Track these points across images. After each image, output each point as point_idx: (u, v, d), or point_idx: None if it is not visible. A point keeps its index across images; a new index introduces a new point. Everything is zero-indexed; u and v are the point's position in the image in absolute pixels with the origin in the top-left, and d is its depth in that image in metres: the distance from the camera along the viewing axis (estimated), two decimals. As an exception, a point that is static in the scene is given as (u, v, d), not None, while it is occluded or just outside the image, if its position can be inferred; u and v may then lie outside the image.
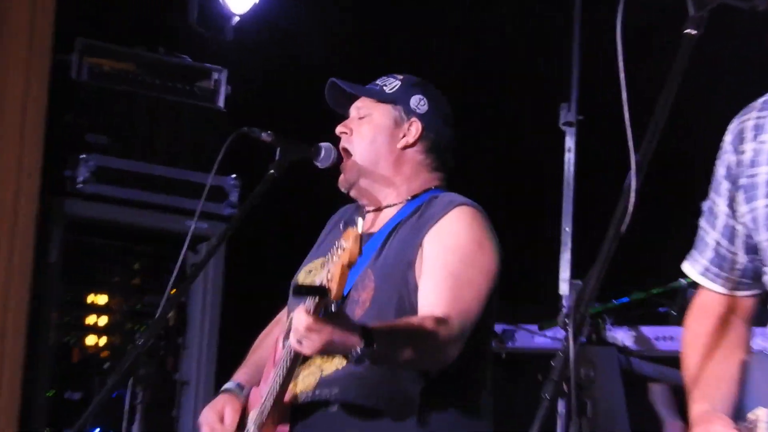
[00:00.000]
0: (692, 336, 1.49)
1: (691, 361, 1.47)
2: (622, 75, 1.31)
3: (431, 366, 1.86)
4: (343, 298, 1.78)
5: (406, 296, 1.91)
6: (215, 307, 3.21)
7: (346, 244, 1.60)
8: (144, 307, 3.14)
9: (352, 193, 2.05)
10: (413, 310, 1.89)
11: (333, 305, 1.67)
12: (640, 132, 1.30)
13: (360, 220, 1.72)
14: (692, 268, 1.53)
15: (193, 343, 3.14)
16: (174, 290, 2.07)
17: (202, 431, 1.99)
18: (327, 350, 1.71)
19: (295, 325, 1.68)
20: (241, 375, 2.04)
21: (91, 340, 3.02)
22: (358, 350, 1.70)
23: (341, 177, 2.05)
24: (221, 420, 1.97)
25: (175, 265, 2.03)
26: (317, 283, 1.67)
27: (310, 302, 1.65)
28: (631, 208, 1.24)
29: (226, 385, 2.03)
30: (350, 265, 1.62)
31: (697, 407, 1.40)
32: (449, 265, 1.91)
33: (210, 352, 3.16)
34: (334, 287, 1.62)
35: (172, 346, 3.08)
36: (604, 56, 1.44)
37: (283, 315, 2.14)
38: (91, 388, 2.93)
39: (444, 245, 1.93)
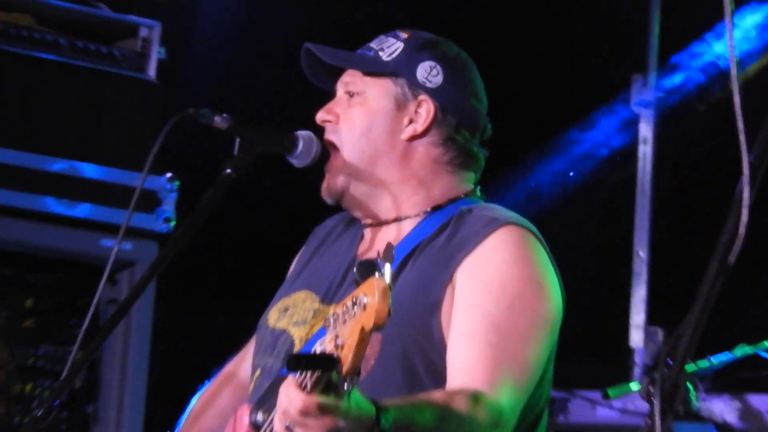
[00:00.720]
0: None
1: None
2: (729, 33, 1.36)
3: None
4: (358, 374, 1.76)
5: (427, 354, 2.02)
6: (141, 364, 3.39)
7: (370, 300, 1.65)
8: (39, 360, 3.30)
9: (343, 204, 2.16)
10: (438, 375, 2.02)
11: (346, 383, 1.72)
12: (755, 120, 1.35)
13: (388, 266, 1.72)
14: None
15: (108, 415, 3.34)
16: (85, 339, 2.19)
17: None
18: None
19: (284, 405, 1.74)
20: None
21: None
22: None
23: (325, 181, 2.13)
24: None
25: (85, 303, 2.10)
26: (323, 350, 1.72)
27: (309, 376, 1.71)
28: (743, 229, 1.28)
29: None
30: (375, 330, 1.65)
31: None
32: (493, 313, 2.00)
33: (131, 426, 3.37)
34: (349, 358, 1.66)
35: (78, 418, 3.28)
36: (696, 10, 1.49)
37: (239, 367, 2.28)
38: None
39: (485, 285, 2.03)
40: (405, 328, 2.02)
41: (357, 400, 1.74)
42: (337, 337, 1.66)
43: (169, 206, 3.39)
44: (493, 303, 2.02)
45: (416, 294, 2.06)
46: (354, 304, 1.65)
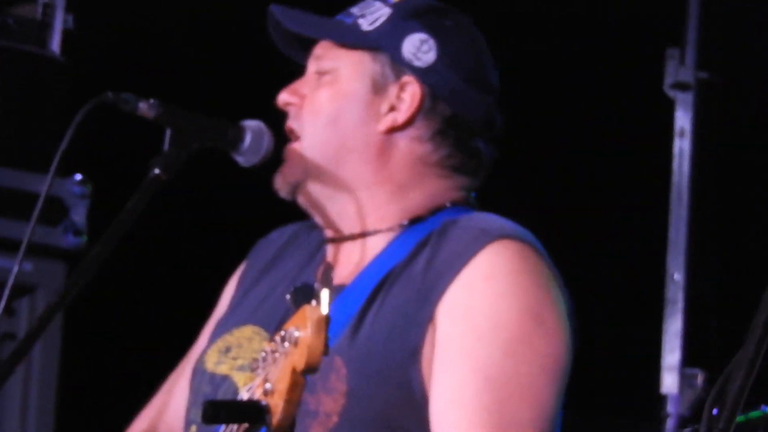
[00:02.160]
0: None
1: None
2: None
3: None
4: (292, 427, 1.81)
5: (401, 408, 2.10)
6: (45, 416, 3.55)
7: (302, 334, 1.71)
8: None
9: (300, 204, 2.23)
10: (409, 426, 2.09)
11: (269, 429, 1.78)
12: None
13: (325, 292, 1.76)
14: None
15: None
16: None
17: None
18: None
19: None
20: None
21: None
22: None
23: (280, 170, 2.20)
24: None
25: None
26: (250, 396, 1.81)
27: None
28: None
29: None
30: (307, 372, 1.71)
31: None
32: (486, 365, 2.08)
33: None
34: (279, 407, 1.72)
35: None
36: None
37: (158, 423, 2.39)
38: None
39: (473, 326, 2.10)
40: (378, 382, 2.10)
41: None
42: (266, 380, 1.72)
43: (79, 216, 3.53)
44: (485, 350, 2.08)
45: (391, 338, 2.12)
46: (283, 339, 1.71)
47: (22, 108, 3.52)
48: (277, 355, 1.72)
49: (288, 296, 1.80)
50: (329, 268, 2.12)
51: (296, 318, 1.68)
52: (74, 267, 3.04)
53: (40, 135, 3.50)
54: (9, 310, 3.32)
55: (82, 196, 3.50)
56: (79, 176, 3.46)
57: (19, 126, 3.52)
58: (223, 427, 1.82)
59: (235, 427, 1.77)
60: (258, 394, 1.72)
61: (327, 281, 1.79)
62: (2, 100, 3.54)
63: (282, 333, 1.70)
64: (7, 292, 2.24)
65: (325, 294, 1.70)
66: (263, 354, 1.76)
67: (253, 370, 1.79)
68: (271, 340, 1.74)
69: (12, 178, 3.38)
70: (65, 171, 3.44)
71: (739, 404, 1.35)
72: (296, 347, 1.67)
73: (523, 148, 3.91)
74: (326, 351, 1.66)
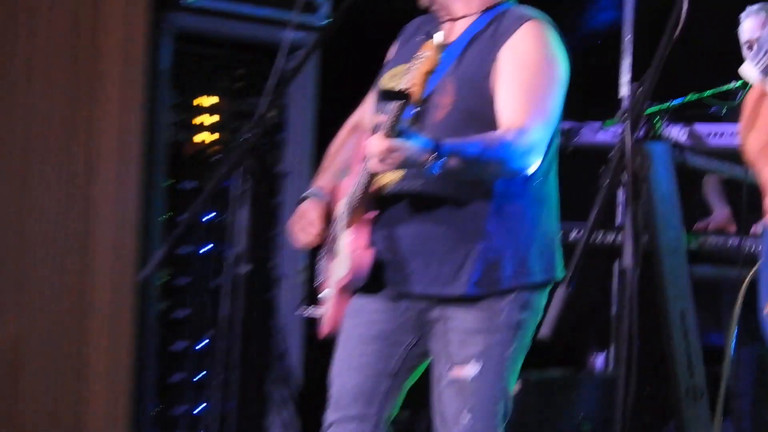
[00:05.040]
0: (748, 118, 2.92)
1: (749, 141, 2.88)
2: None
3: (515, 173, 3.04)
4: (423, 101, 2.86)
5: (483, 101, 3.05)
6: (310, 107, 5.64)
7: (427, 53, 2.66)
8: (247, 107, 5.47)
9: (433, 8, 3.19)
10: (488, 118, 3.04)
11: (414, 108, 2.80)
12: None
13: (441, 33, 2.78)
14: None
15: (292, 139, 5.68)
16: (273, 92, 3.45)
17: (294, 234, 3.41)
18: (405, 168, 2.92)
19: (371, 150, 2.77)
20: (320, 180, 3.43)
21: (200, 137, 5.54)
22: (432, 168, 2.81)
23: None
24: (308, 219, 3.34)
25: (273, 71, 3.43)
26: (400, 88, 2.72)
27: (393, 106, 2.75)
28: (683, 15, 2.30)
29: (308, 192, 3.43)
30: (430, 73, 2.70)
31: (766, 171, 2.71)
32: (525, 80, 3.01)
33: (306, 147, 5.65)
34: (415, 91, 2.67)
35: (273, 142, 5.55)
36: None
37: (359, 116, 3.47)
38: (204, 179, 5.42)
39: (518, 61, 3.03)
40: (470, 86, 3.09)
41: (417, 138, 2.79)
42: (410, 78, 2.71)
43: (324, 9, 5.37)
44: (525, 72, 3.05)
45: (476, 66, 3.08)
46: (419, 56, 2.67)
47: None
48: (415, 65, 2.71)
49: (421, 36, 3.17)
50: (441, 29, 3.10)
51: (425, 45, 2.74)
52: (320, 33, 4.86)
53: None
54: (291, 56, 3.92)
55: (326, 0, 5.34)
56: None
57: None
58: (392, 103, 2.81)
59: (399, 102, 2.75)
60: (404, 87, 2.75)
61: (439, 27, 3.05)
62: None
63: (417, 53, 2.74)
64: (284, 47, 3.48)
65: (440, 33, 2.78)
66: (409, 65, 2.76)
67: (404, 73, 2.87)
68: (412, 59, 2.79)
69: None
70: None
71: (647, 97, 2.47)
72: (424, 60, 2.71)
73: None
74: (439, 61, 2.72)
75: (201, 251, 5.81)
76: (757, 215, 4.10)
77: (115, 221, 5.27)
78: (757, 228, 4.83)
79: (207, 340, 5.81)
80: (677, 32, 2.59)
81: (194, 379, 5.86)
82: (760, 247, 4.04)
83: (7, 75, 5.17)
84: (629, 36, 5.78)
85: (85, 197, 5.28)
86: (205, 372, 5.86)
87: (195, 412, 5.84)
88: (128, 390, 5.46)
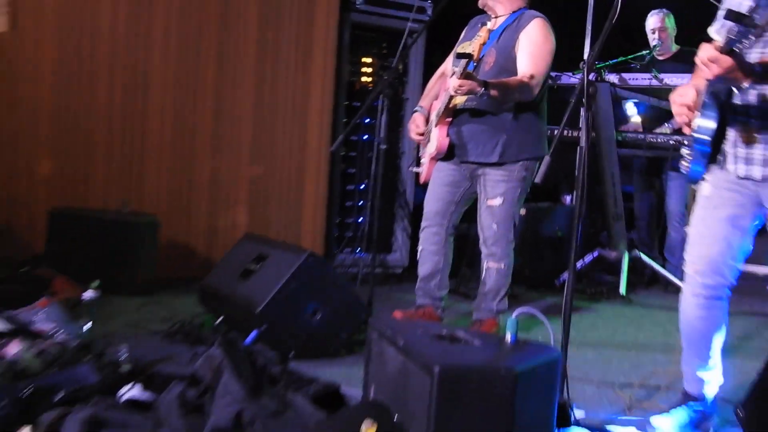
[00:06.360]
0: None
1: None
2: None
3: (527, 98, 5.45)
4: (479, 60, 5.32)
5: (511, 61, 5.54)
6: (420, 63, 8.72)
7: (482, 34, 5.11)
8: (387, 63, 8.69)
9: (486, 8, 5.59)
10: (512, 70, 5.46)
11: (474, 64, 5.20)
12: None
13: (489, 23, 5.43)
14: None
15: (410, 80, 8.84)
16: (400, 55, 6.80)
17: (410, 131, 5.91)
18: (468, 94, 5.35)
19: (452, 83, 5.09)
20: (423, 102, 6.11)
21: (364, 79, 8.91)
22: (482, 94, 5.10)
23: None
24: (416, 123, 5.80)
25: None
26: (467, 51, 5.11)
27: (463, 62, 5.06)
28: (618, 9, 3.75)
29: (416, 108, 5.97)
30: (483, 44, 5.11)
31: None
32: (534, 50, 5.34)
33: (417, 84, 8.74)
34: (475, 54, 5.10)
35: (401, 81, 8.88)
36: None
37: (444, 68, 6.03)
38: (364, 100, 8.59)
39: (530, 40, 5.43)
40: (504, 53, 5.53)
41: (475, 79, 5.11)
42: (472, 47, 5.16)
43: (429, 10, 8.05)
44: (533, 46, 5.39)
45: (507, 42, 5.46)
46: (477, 35, 5.15)
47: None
48: (475, 40, 5.22)
49: (479, 25, 5.86)
50: (486, 28, 4.97)
51: (480, 30, 5.23)
52: (428, 18, 6.83)
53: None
54: (411, 37, 6.80)
55: None
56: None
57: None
58: (462, 60, 5.11)
59: (466, 59, 5.12)
60: (469, 51, 5.15)
61: (488, 21, 5.79)
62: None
63: (477, 34, 5.23)
64: (406, 31, 6.42)
65: (488, 23, 5.61)
66: (472, 40, 5.28)
67: (469, 45, 5.39)
68: (474, 37, 5.33)
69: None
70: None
71: (596, 57, 3.96)
72: (480, 37, 5.20)
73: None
74: (487, 38, 5.23)
75: (363, 138, 8.68)
76: (657, 124, 7.62)
77: (320, 120, 8.49)
78: (662, 128, 7.98)
79: (364, 184, 8.66)
80: (614, 19, 3.64)
81: (359, 204, 8.75)
82: (658, 138, 7.30)
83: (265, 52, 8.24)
84: (590, 20, 7.90)
85: (303, 110, 8.44)
86: (362, 201, 8.71)
87: (359, 221, 8.73)
88: (326, 211, 8.50)
